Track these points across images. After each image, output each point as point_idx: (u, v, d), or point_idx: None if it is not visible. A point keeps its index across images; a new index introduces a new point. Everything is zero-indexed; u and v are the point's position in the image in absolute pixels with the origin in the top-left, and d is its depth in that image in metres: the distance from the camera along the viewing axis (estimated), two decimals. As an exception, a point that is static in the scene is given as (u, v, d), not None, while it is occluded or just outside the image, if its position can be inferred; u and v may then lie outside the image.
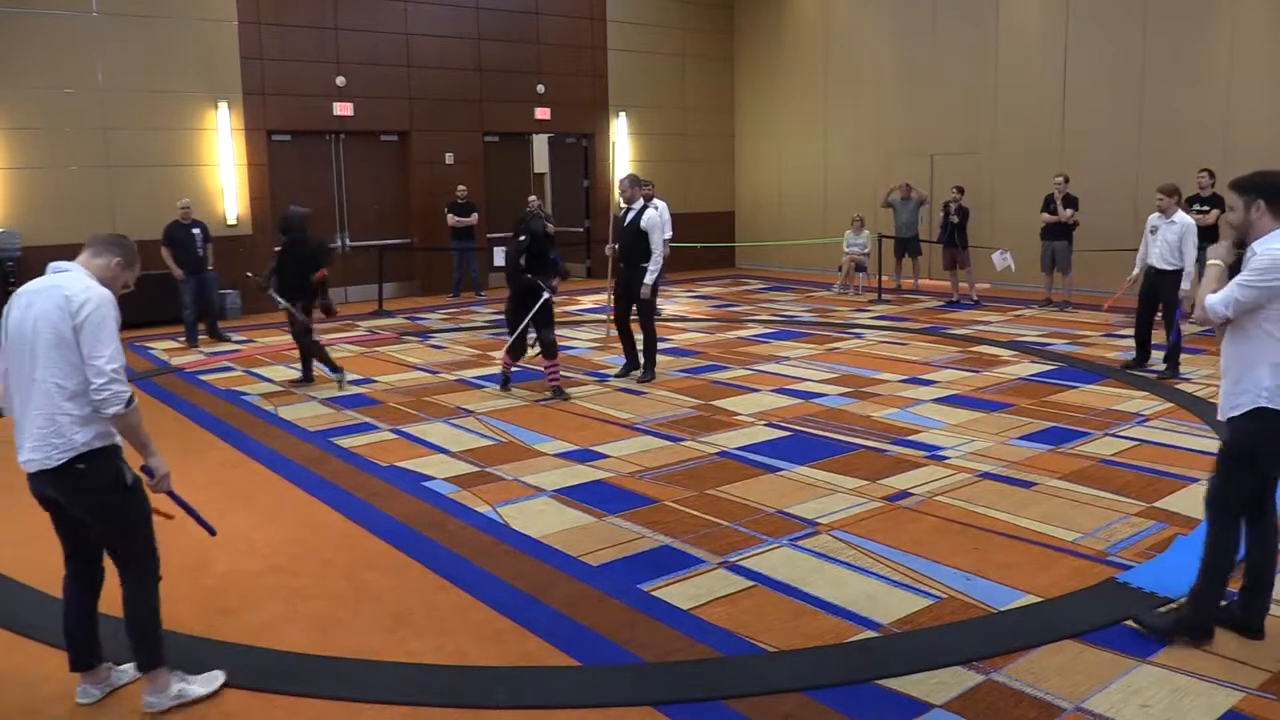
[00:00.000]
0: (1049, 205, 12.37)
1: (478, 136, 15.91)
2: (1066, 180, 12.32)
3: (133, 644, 3.39)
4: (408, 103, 15.11)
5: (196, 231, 11.19)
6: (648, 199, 12.79)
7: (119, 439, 3.32)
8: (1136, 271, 8.80)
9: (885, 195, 14.71)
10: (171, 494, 3.54)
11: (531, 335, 8.07)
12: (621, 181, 8.79)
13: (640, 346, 8.76)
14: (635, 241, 8.50)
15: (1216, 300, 3.57)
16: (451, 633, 3.97)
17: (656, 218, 8.56)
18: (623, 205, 8.77)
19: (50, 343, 3.18)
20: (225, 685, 3.54)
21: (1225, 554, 3.69)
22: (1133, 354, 8.84)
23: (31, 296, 3.26)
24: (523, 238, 7.99)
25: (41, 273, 3.39)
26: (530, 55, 16.29)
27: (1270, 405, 3.51)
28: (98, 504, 3.29)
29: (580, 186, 17.56)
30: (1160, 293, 8.41)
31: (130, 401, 3.21)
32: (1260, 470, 3.65)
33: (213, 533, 3.76)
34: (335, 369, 8.65)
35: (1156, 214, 8.42)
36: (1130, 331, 10.38)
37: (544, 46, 16.44)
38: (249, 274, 10.26)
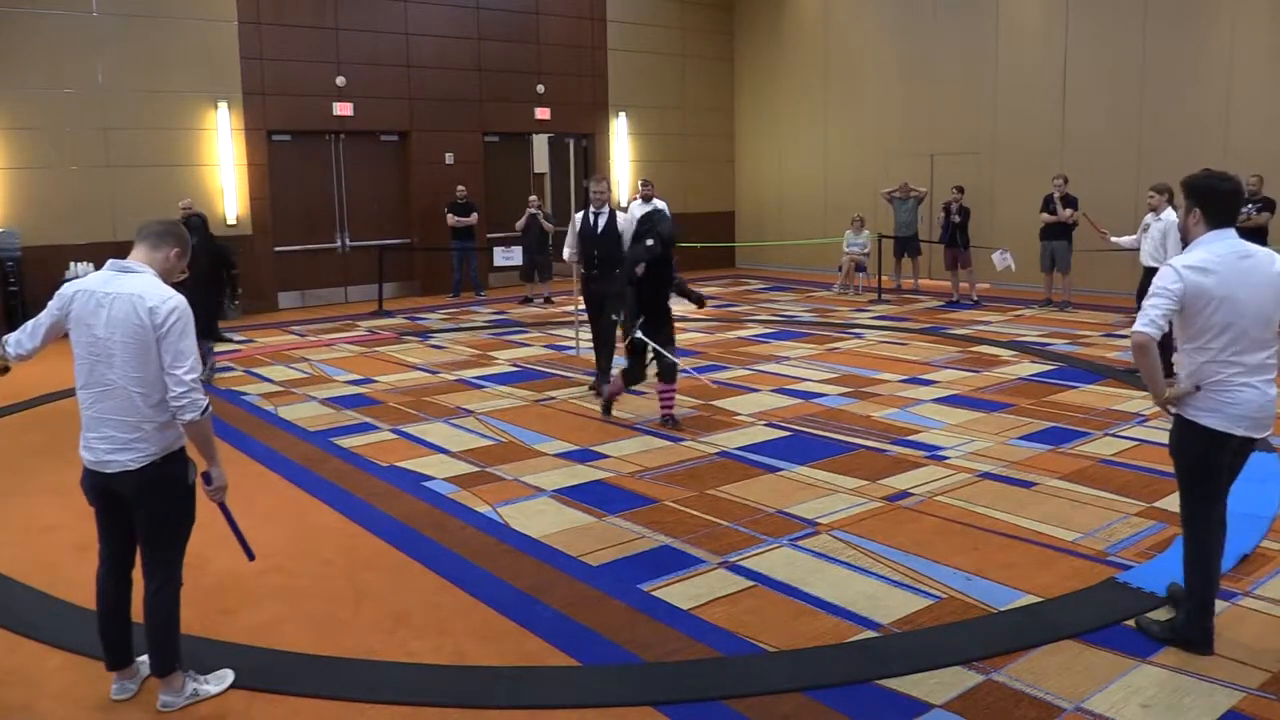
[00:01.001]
0: (1048, 205, 12.38)
1: (478, 136, 15.90)
2: (1066, 180, 12.33)
3: (152, 647, 3.41)
4: (408, 103, 15.10)
5: None
6: (647, 198, 12.89)
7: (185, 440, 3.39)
8: (1120, 239, 9.06)
9: (886, 192, 14.73)
10: (223, 506, 3.58)
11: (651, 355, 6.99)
12: (593, 182, 7.76)
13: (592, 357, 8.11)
14: (613, 250, 7.52)
15: (1137, 327, 3.52)
16: (451, 633, 3.97)
17: (628, 222, 7.54)
18: (594, 210, 7.77)
19: (134, 352, 3.22)
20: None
21: (1195, 562, 3.69)
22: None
23: (102, 299, 3.24)
24: (650, 241, 6.55)
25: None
26: (530, 55, 16.29)
27: (1180, 413, 3.65)
28: (164, 500, 3.35)
29: (580, 186, 17.55)
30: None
31: (206, 409, 3.29)
32: (1201, 477, 3.66)
33: (252, 558, 3.75)
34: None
35: (1150, 213, 8.46)
36: (1129, 332, 10.39)
37: (544, 46, 16.44)
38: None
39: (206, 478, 3.43)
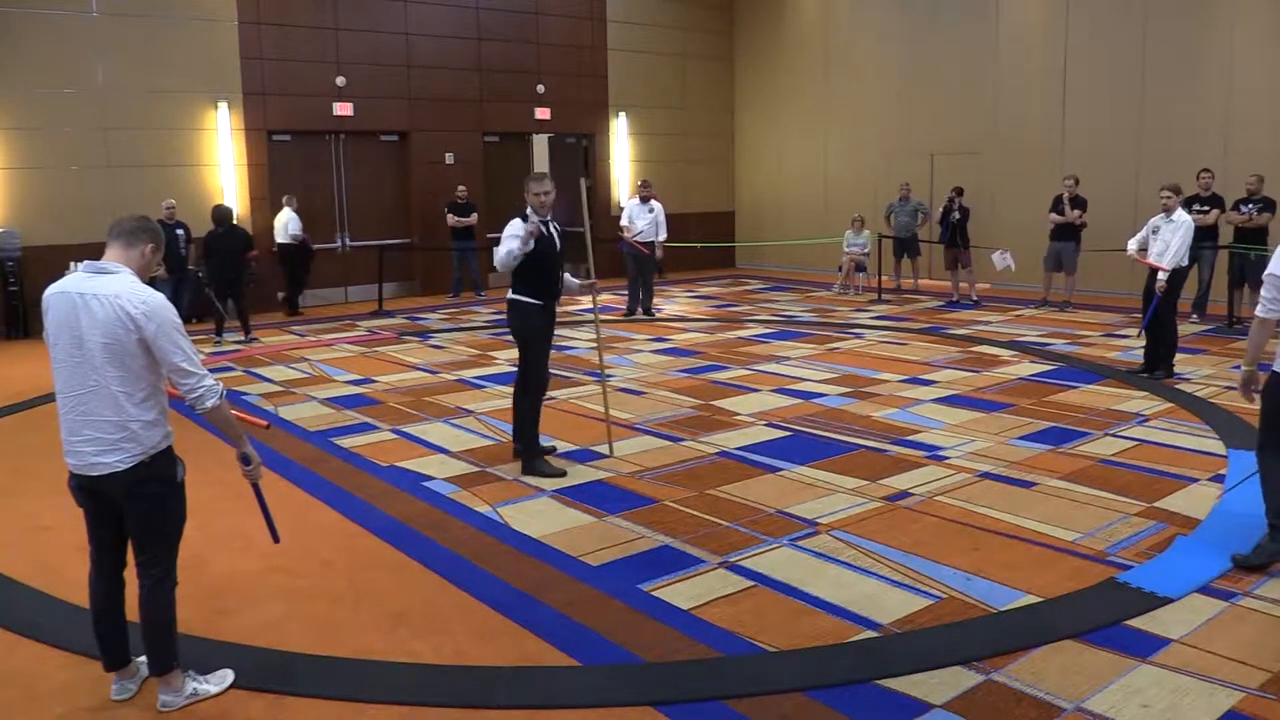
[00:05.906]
0: (1057, 206, 12.35)
1: (478, 136, 15.90)
2: (1076, 181, 12.28)
3: (149, 646, 3.40)
4: (408, 103, 15.10)
5: (180, 233, 11.83)
6: (645, 199, 12.88)
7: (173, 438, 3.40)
8: (1135, 250, 8.55)
9: (889, 206, 14.72)
10: (256, 487, 3.68)
11: None
12: (537, 182, 5.95)
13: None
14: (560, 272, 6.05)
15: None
16: (451, 633, 3.97)
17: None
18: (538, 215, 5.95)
19: (114, 352, 3.19)
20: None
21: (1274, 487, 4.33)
22: (1140, 356, 8.76)
23: (78, 300, 3.20)
24: None
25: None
26: (530, 55, 16.29)
27: (1276, 368, 4.32)
28: (155, 499, 3.33)
29: (580, 187, 17.54)
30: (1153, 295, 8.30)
31: (222, 392, 3.33)
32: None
33: (277, 540, 3.91)
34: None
35: (1161, 214, 8.34)
36: (1129, 331, 10.39)
37: (544, 46, 16.44)
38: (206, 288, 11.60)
39: (244, 459, 3.50)
